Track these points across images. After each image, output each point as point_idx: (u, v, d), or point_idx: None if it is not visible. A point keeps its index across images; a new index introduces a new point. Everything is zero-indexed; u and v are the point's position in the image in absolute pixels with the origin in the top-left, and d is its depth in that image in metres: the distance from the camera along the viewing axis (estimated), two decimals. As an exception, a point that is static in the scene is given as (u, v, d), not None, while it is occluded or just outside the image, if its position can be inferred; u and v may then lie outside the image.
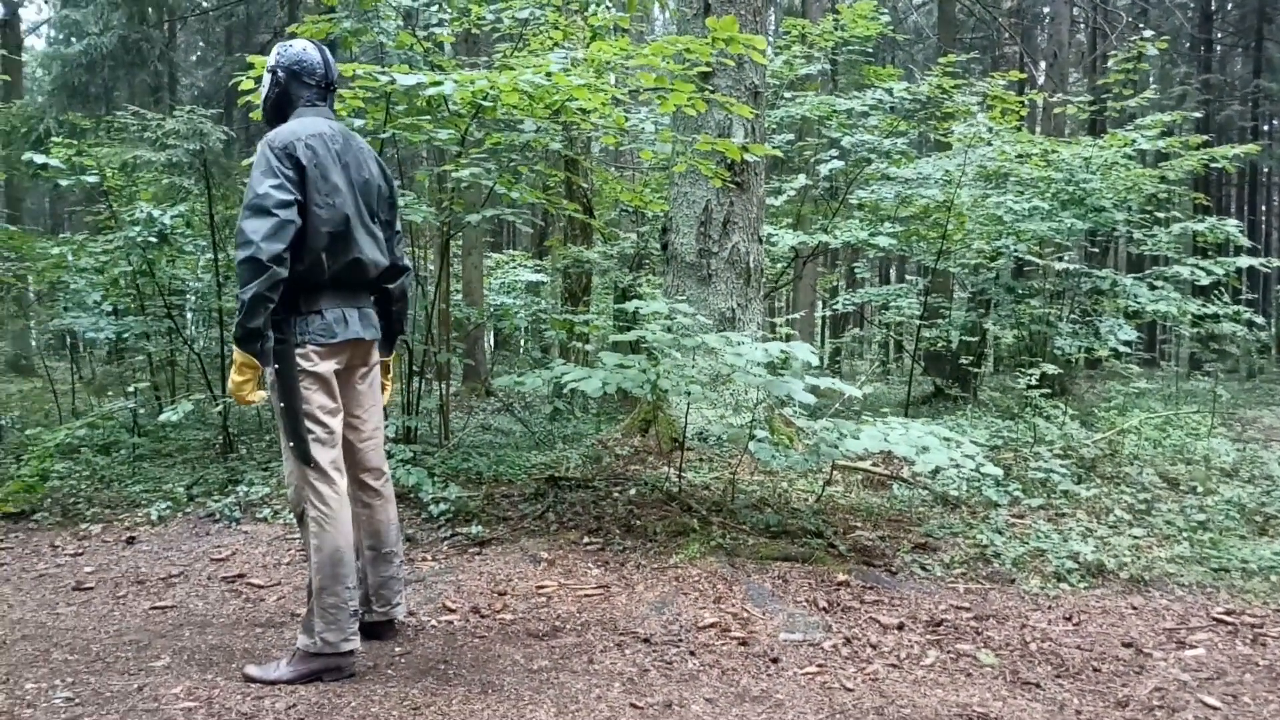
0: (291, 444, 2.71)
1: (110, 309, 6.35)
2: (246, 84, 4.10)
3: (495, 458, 5.47)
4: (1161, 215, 8.93)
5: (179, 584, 3.67)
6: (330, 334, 2.75)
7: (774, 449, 4.20)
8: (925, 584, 3.60)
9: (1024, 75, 9.86)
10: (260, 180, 2.60)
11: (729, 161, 5.41)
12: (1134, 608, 3.37)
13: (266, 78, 2.87)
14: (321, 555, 2.68)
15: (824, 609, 3.32)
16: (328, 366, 2.77)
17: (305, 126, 2.72)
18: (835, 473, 5.05)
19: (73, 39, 15.93)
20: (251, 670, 2.66)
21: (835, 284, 15.39)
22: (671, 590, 3.45)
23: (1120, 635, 3.11)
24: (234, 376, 2.65)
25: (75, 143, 5.54)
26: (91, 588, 3.63)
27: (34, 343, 14.06)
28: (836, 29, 8.90)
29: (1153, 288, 7.91)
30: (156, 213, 5.23)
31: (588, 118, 4.71)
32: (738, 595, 3.41)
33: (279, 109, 2.86)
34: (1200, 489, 4.87)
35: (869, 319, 14.89)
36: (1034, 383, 5.76)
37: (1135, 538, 4.04)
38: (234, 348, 2.62)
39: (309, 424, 2.71)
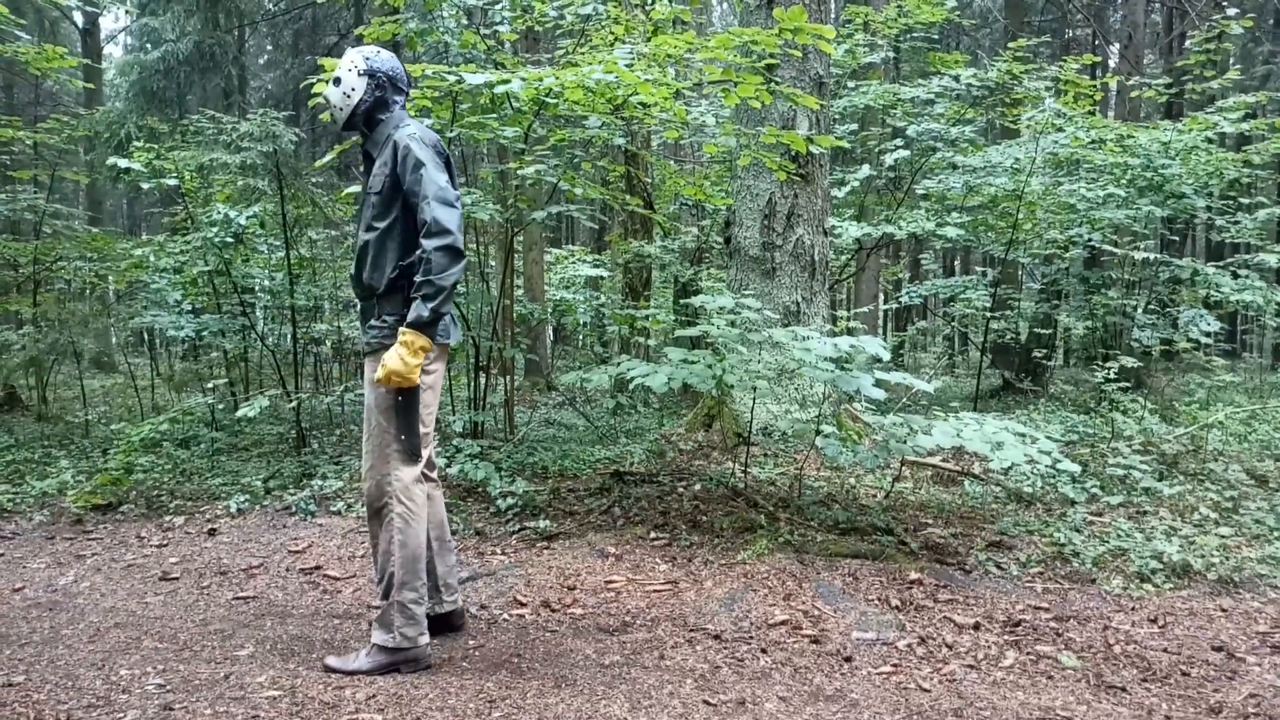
0: (403, 438, 2.74)
1: (190, 308, 6.56)
2: (319, 86, 4.19)
3: (560, 452, 5.51)
4: (1245, 201, 8.57)
5: (259, 575, 3.77)
6: (447, 335, 2.82)
7: (841, 445, 4.15)
8: (1001, 583, 3.52)
9: (1097, 58, 9.55)
10: (436, 173, 2.69)
11: (793, 153, 5.36)
12: (1223, 610, 3.24)
13: (361, 83, 2.86)
14: (406, 551, 2.73)
15: (896, 607, 3.27)
16: (441, 368, 2.87)
17: (427, 129, 2.86)
18: (904, 469, 4.97)
19: (149, 45, 16.51)
20: (332, 661, 2.72)
21: (899, 276, 15.13)
22: (740, 586, 3.43)
23: (1210, 638, 3.00)
24: (409, 359, 2.61)
25: (155, 147, 5.74)
26: (177, 578, 3.76)
27: (114, 340, 14.61)
28: (900, 16, 8.73)
29: (1236, 276, 7.60)
30: (233, 213, 5.38)
31: (649, 112, 4.70)
32: (808, 592, 3.38)
33: (370, 114, 2.90)
34: (1291, 486, 4.67)
35: (934, 311, 14.60)
36: (1112, 376, 5.58)
37: (1223, 537, 3.88)
38: (408, 332, 2.62)
39: (419, 423, 2.79)
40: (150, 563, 3.97)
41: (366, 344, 2.80)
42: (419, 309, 2.62)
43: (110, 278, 8.48)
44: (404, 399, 2.72)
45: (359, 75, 2.87)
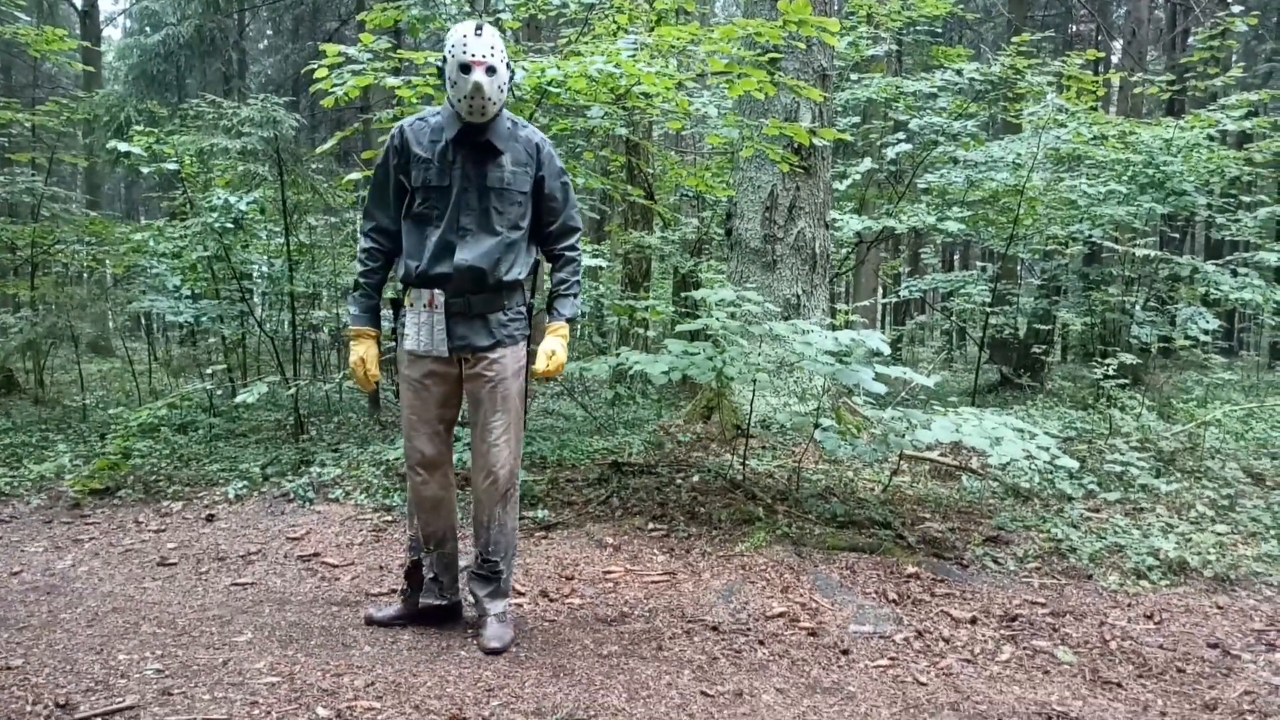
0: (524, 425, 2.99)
1: (189, 293, 6.55)
2: (320, 72, 4.17)
3: (558, 442, 5.51)
4: (1246, 199, 8.57)
5: (257, 561, 3.77)
6: None
7: (840, 438, 4.16)
8: (998, 578, 3.53)
9: (1100, 54, 9.53)
10: None
11: (796, 145, 5.34)
12: (1219, 607, 3.26)
13: (508, 75, 2.71)
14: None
15: (894, 601, 3.28)
16: None
17: None
18: (902, 462, 4.98)
19: (148, 28, 16.42)
20: (495, 645, 2.78)
21: (899, 270, 15.13)
22: (738, 578, 3.44)
23: (1205, 635, 3.01)
24: (567, 350, 2.86)
25: (155, 131, 5.71)
26: (175, 563, 3.76)
27: (111, 324, 14.60)
28: (904, 9, 8.71)
29: (1235, 274, 7.61)
30: (233, 199, 5.37)
31: (652, 102, 4.69)
32: (805, 585, 3.39)
33: None
34: (1288, 485, 4.69)
35: (932, 305, 14.61)
36: (1110, 372, 5.59)
37: (1219, 534, 3.90)
38: (565, 326, 2.86)
39: None
40: (148, 548, 3.97)
41: (509, 335, 2.83)
42: (575, 305, 2.88)
43: (108, 261, 8.46)
44: (529, 389, 2.97)
45: (508, 67, 2.71)
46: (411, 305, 2.80)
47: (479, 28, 2.65)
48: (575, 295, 2.88)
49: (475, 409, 2.85)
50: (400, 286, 2.88)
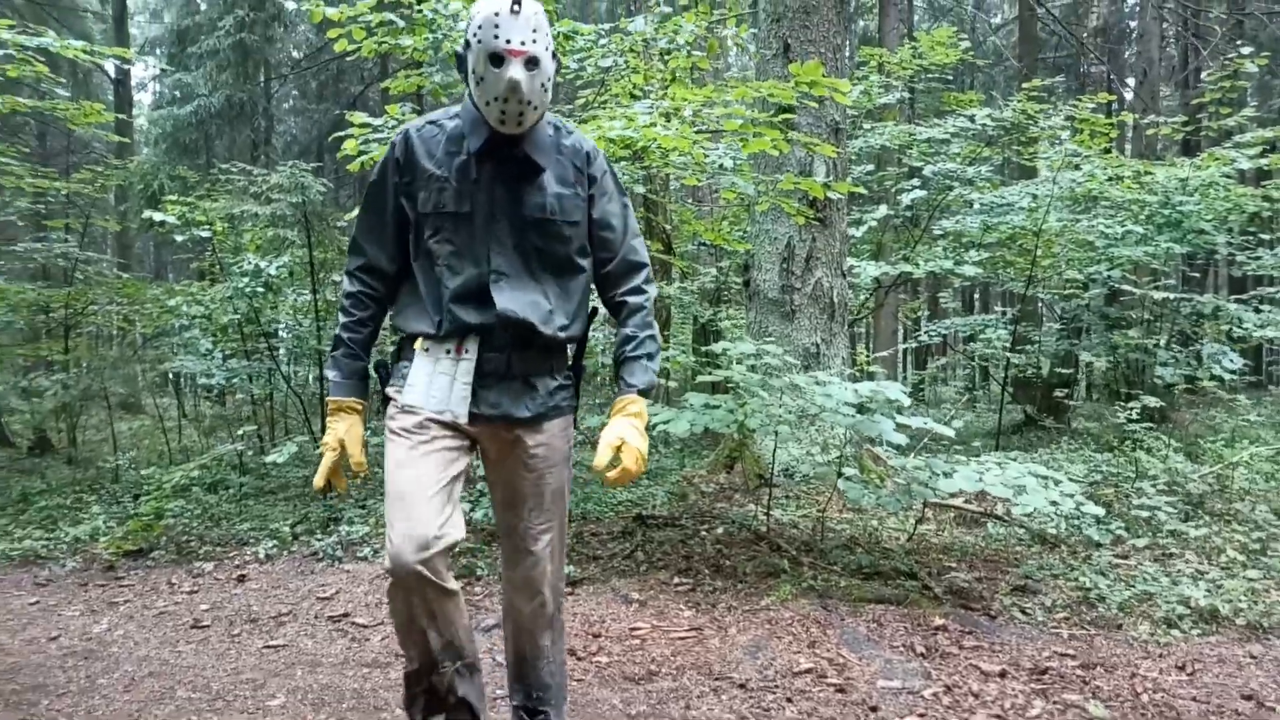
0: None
1: (220, 355, 6.70)
2: (350, 144, 4.31)
3: (582, 495, 5.55)
4: (1266, 236, 8.57)
5: (289, 623, 3.82)
6: None
7: (864, 487, 4.17)
8: (1026, 629, 3.51)
9: (1112, 96, 9.62)
10: None
11: (811, 199, 5.43)
12: (1253, 656, 3.22)
13: (554, 66, 1.99)
14: None
15: (922, 654, 3.26)
16: None
17: None
18: (927, 510, 4.97)
19: (178, 94, 16.97)
20: None
21: (918, 313, 15.14)
22: (765, 633, 3.44)
23: (1239, 687, 2.98)
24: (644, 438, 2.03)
25: (190, 201, 5.91)
26: (208, 625, 3.81)
27: (141, 381, 14.82)
28: (915, 57, 8.86)
29: (1258, 310, 7.58)
30: (264, 264, 5.52)
31: (669, 157, 4.81)
32: (832, 639, 3.38)
33: None
34: (1320, 527, 4.62)
35: (954, 347, 14.59)
36: (1134, 416, 5.56)
37: (1250, 580, 3.85)
38: (640, 401, 2.07)
39: None
40: (182, 610, 4.03)
41: (556, 406, 2.12)
42: (652, 372, 2.09)
43: (138, 322, 8.67)
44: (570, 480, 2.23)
45: (554, 57, 1.99)
46: (427, 350, 2.05)
47: (516, 2, 1.88)
48: (650, 355, 2.09)
49: (512, 503, 2.13)
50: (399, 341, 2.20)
